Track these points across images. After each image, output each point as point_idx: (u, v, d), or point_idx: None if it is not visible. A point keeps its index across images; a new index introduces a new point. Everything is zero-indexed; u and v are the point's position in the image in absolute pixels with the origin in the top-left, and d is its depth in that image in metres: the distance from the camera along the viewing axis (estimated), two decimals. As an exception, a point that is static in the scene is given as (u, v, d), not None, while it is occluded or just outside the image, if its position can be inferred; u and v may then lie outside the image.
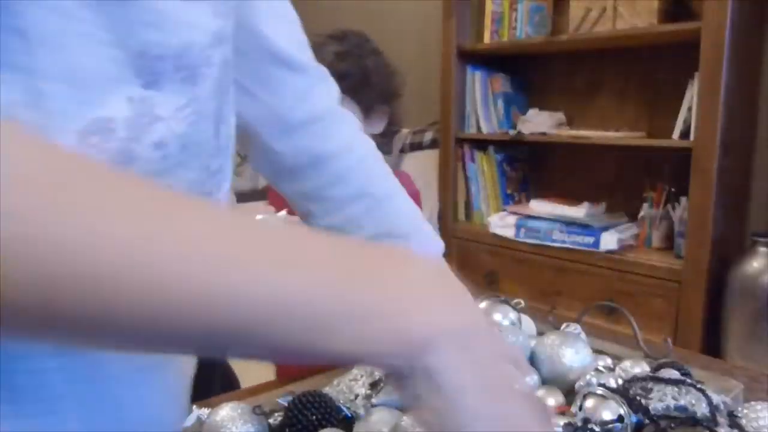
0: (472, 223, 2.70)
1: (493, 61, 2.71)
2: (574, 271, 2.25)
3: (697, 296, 1.96)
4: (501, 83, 2.70)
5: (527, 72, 2.75)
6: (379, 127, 1.14)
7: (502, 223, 2.45)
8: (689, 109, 2.04)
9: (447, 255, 2.56)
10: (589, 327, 0.95)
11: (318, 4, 4.04)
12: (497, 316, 0.78)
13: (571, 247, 2.24)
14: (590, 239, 2.18)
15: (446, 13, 2.67)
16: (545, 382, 0.75)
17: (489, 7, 2.61)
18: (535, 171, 2.77)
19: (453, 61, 2.65)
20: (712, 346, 1.97)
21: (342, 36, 1.12)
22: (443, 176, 2.74)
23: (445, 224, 2.74)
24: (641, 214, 2.26)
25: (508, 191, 2.67)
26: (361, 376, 0.62)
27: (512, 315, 0.79)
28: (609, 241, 2.14)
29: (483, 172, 2.67)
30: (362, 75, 1.06)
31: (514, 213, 2.45)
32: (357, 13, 3.78)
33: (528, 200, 2.59)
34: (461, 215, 2.74)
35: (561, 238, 2.27)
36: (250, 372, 2.12)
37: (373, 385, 0.61)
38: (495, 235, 2.47)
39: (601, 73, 2.53)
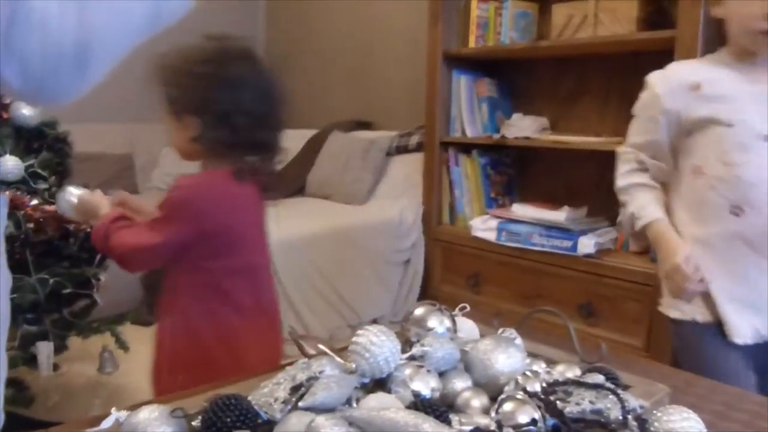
0: (456, 226, 2.71)
1: (478, 65, 2.73)
2: (553, 275, 2.27)
3: (673, 300, 1.97)
4: (486, 87, 2.71)
5: (512, 77, 2.77)
6: (183, 135, 1.16)
7: (483, 227, 2.47)
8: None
9: (431, 258, 2.56)
10: (552, 330, 0.97)
11: (311, 5, 4.07)
12: (432, 323, 0.80)
13: (549, 250, 2.25)
14: (568, 243, 2.20)
15: (432, 19, 2.69)
16: (477, 385, 0.76)
17: (474, 13, 2.63)
18: (519, 175, 2.79)
19: (439, 65, 2.68)
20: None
21: (211, 38, 1.16)
22: (428, 179, 2.76)
23: (430, 227, 2.76)
24: (620, 218, 2.27)
25: (492, 195, 2.69)
26: (284, 380, 0.64)
27: (447, 322, 0.81)
28: (586, 245, 2.16)
29: (467, 176, 2.68)
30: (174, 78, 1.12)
31: (496, 216, 2.47)
32: (347, 16, 3.80)
33: (512, 204, 2.60)
34: (446, 218, 2.76)
35: (540, 242, 2.28)
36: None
37: (294, 390, 0.63)
38: (477, 239, 2.49)
39: (584, 79, 2.55)
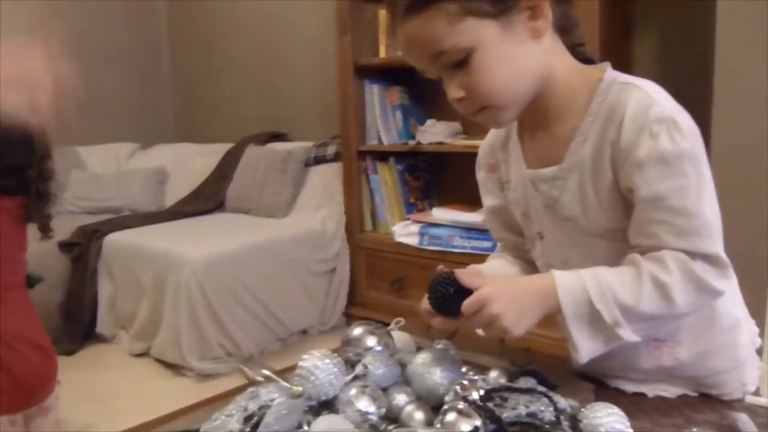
0: (378, 232, 2.76)
1: (389, 74, 2.78)
2: (475, 275, 2.35)
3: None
4: (398, 95, 2.78)
5: (423, 84, 2.82)
6: None
7: (405, 232, 2.53)
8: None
9: (356, 265, 2.58)
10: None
11: (216, 19, 4.01)
12: (370, 342, 0.83)
13: (471, 251, 2.33)
14: (488, 243, 2.28)
15: (341, 30, 2.72)
16: (419, 398, 0.80)
17: (383, 22, 2.69)
18: (435, 179, 2.87)
19: (350, 76, 2.71)
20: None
21: None
22: (347, 188, 2.79)
23: (353, 235, 2.79)
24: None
25: (411, 200, 2.75)
26: (236, 411, 0.66)
27: (384, 339, 0.84)
28: (505, 244, 2.25)
29: (386, 183, 2.74)
30: None
31: (417, 221, 2.54)
32: (255, 29, 3.78)
33: (431, 208, 2.68)
34: (368, 226, 2.80)
35: (462, 244, 2.36)
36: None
37: (247, 420, 0.64)
38: (400, 244, 2.54)
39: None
